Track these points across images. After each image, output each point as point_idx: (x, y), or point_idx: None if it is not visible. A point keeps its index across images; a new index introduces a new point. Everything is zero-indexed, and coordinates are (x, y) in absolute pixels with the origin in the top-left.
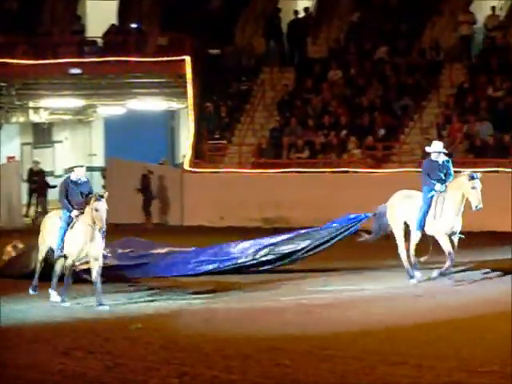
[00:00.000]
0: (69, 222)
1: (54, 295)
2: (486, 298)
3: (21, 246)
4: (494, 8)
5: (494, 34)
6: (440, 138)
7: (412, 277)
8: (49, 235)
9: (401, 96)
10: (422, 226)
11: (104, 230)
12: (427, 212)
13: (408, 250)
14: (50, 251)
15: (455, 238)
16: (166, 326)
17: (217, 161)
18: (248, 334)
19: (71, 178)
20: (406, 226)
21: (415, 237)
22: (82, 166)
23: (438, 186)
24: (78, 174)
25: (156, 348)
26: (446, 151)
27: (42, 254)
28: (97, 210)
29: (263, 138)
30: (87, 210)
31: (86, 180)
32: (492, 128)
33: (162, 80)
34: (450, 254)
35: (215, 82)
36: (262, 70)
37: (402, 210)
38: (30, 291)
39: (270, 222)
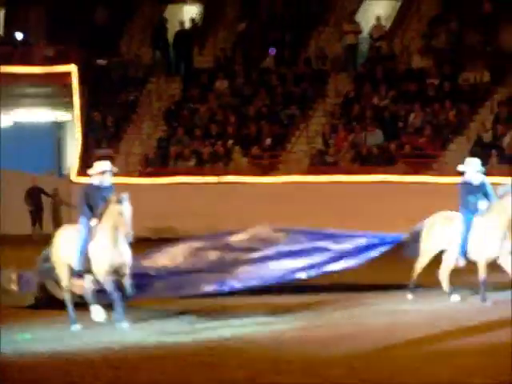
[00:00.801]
0: (88, 233)
1: (97, 311)
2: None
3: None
4: (379, 18)
5: (379, 43)
6: (326, 146)
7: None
8: (65, 250)
9: (287, 105)
10: (464, 252)
11: (131, 235)
12: (468, 236)
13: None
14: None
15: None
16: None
17: None
18: None
19: (93, 182)
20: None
21: (458, 262)
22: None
23: (482, 205)
24: (101, 178)
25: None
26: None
27: (66, 278)
28: (120, 214)
29: (150, 148)
30: (106, 214)
31: (109, 185)
32: (382, 136)
33: (49, 91)
34: (483, 281)
35: (102, 92)
36: (149, 80)
37: (439, 233)
38: (73, 328)
39: (158, 232)
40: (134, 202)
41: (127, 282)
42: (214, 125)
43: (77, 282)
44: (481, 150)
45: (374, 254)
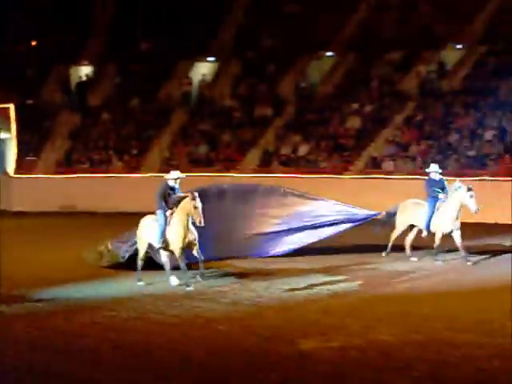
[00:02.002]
0: (166, 221)
1: (174, 280)
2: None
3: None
4: (204, 74)
5: (204, 90)
6: (171, 154)
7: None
8: (145, 234)
9: (146, 129)
10: (428, 226)
11: (203, 222)
12: (432, 215)
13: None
14: (148, 246)
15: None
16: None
17: None
18: None
19: (169, 183)
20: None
21: (423, 233)
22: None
23: (442, 196)
24: (174, 182)
25: None
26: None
27: (142, 251)
28: (196, 207)
29: (60, 156)
30: (182, 206)
31: (178, 186)
32: (206, 148)
33: None
34: (437, 247)
35: (29, 120)
36: (60, 113)
37: (410, 214)
38: (138, 283)
39: (65, 208)
40: (51, 189)
41: (198, 251)
42: (101, 141)
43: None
44: (268, 158)
45: (354, 224)
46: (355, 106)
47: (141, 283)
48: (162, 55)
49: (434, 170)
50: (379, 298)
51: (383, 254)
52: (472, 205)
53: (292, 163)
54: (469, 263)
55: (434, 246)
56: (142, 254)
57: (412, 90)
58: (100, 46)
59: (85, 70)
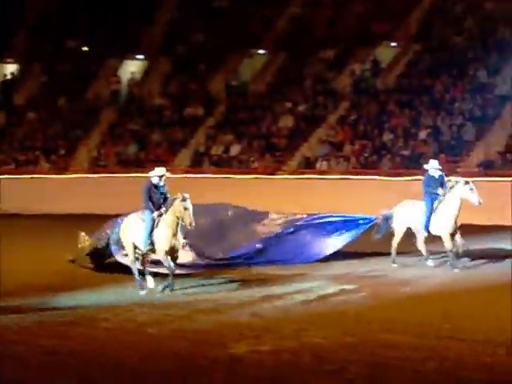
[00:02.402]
0: (153, 222)
1: (150, 280)
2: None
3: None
4: (133, 72)
5: (134, 89)
6: (99, 155)
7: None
8: (130, 235)
9: (74, 128)
10: (427, 227)
11: (194, 225)
12: (430, 215)
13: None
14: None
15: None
16: None
17: None
18: None
19: (153, 181)
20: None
21: (422, 236)
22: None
23: (440, 192)
24: (158, 179)
25: None
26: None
27: (132, 253)
28: (186, 209)
29: None
30: (172, 209)
31: (163, 184)
32: (135, 148)
33: None
34: (450, 251)
35: None
36: None
37: (406, 216)
38: (141, 292)
39: None
40: None
41: (169, 261)
42: (27, 141)
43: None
44: (199, 158)
45: (356, 234)
46: (288, 104)
47: (143, 292)
48: (89, 53)
49: (432, 166)
50: (313, 301)
51: (392, 264)
52: (474, 198)
53: (224, 163)
54: (456, 270)
55: (447, 250)
56: (132, 257)
57: (346, 89)
58: (26, 44)
59: (10, 69)
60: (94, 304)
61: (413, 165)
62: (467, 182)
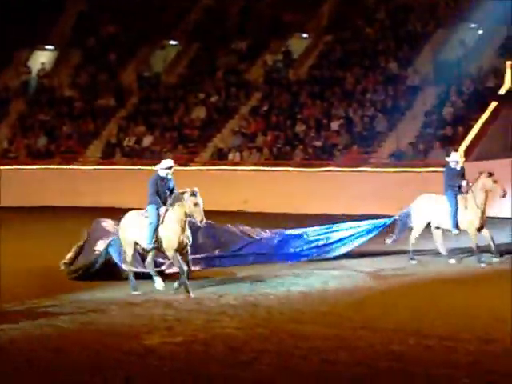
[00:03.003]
0: (158, 218)
1: (159, 282)
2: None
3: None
4: (43, 63)
5: (44, 80)
6: (10, 146)
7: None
8: (131, 233)
9: None
10: (456, 224)
11: (204, 221)
12: (457, 211)
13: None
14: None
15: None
16: None
17: None
18: None
19: (160, 174)
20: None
21: (452, 232)
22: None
23: (464, 186)
24: (166, 171)
25: None
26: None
27: (131, 253)
28: (196, 205)
29: None
30: (180, 204)
31: (171, 177)
32: (45, 140)
33: None
34: (476, 247)
35: None
36: None
37: (427, 211)
38: (133, 292)
39: None
40: None
41: (189, 257)
42: None
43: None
44: (111, 149)
45: (371, 236)
46: (200, 96)
47: (137, 292)
48: None
49: (454, 159)
50: (224, 292)
51: (411, 261)
52: (498, 189)
53: (136, 154)
54: (483, 265)
55: (473, 246)
56: (130, 257)
57: (258, 80)
58: None
59: None
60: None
61: (325, 156)
62: (491, 174)
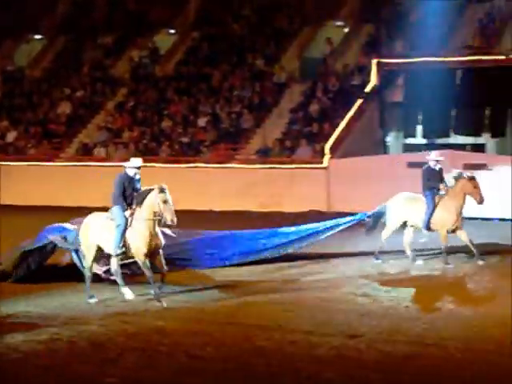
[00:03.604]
0: (126, 221)
1: (127, 292)
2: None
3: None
4: None
5: None
6: None
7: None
8: (94, 237)
9: None
10: (427, 224)
11: (176, 222)
12: (432, 212)
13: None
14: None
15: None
16: None
17: None
18: None
19: (128, 173)
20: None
21: (422, 231)
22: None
23: (442, 188)
24: (134, 170)
25: None
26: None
27: (90, 259)
28: (165, 202)
29: None
30: (148, 203)
31: (139, 177)
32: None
33: None
34: (445, 248)
35: None
36: None
37: (405, 210)
38: (89, 300)
39: None
40: None
41: (163, 260)
42: None
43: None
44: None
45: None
46: (66, 90)
47: (93, 300)
48: None
49: (433, 158)
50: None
51: (374, 259)
52: (478, 195)
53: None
54: (481, 262)
55: (442, 247)
56: (89, 262)
57: (124, 75)
58: None
59: None
60: None
61: (192, 152)
62: (472, 178)
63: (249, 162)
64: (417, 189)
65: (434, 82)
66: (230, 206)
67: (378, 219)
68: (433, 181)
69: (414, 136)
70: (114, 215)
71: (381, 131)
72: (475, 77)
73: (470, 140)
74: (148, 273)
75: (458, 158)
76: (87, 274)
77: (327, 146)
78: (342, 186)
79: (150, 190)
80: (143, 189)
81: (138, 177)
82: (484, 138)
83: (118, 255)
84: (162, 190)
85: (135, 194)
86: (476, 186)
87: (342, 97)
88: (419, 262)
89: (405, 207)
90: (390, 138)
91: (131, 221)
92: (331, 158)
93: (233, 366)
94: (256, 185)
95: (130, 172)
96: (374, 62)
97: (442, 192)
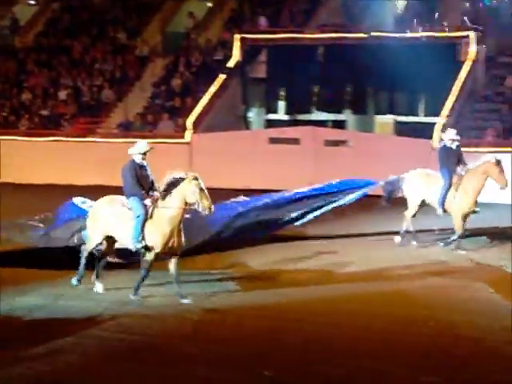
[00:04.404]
0: (146, 211)
1: (98, 286)
2: None
3: None
4: None
5: None
6: None
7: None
8: (106, 224)
9: None
10: (442, 204)
11: (213, 210)
12: (447, 191)
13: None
14: (105, 241)
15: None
16: None
17: None
18: None
19: (136, 160)
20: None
21: (437, 211)
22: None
23: (460, 169)
24: (141, 156)
25: None
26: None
27: (94, 245)
28: (201, 190)
29: None
30: (179, 192)
31: (147, 163)
32: None
33: None
34: (458, 233)
35: None
36: None
37: (421, 186)
38: (74, 282)
39: None
40: None
41: (176, 261)
42: None
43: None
44: None
45: (353, 197)
46: None
47: (75, 282)
48: None
49: (450, 137)
50: None
51: (395, 240)
52: (502, 180)
53: None
54: (463, 252)
55: (456, 231)
56: (91, 247)
57: None
58: None
59: None
60: None
61: (52, 125)
62: (499, 162)
63: (110, 136)
64: (277, 165)
65: (296, 58)
66: (91, 181)
67: (393, 188)
68: (450, 160)
69: (276, 112)
70: (132, 205)
71: (243, 107)
72: (337, 54)
73: (331, 117)
74: (144, 271)
75: (319, 135)
76: (84, 255)
77: (189, 121)
78: (205, 161)
79: (181, 178)
80: (170, 176)
81: (145, 163)
82: (345, 115)
83: (137, 250)
84: (195, 178)
85: (151, 184)
86: (502, 170)
87: (205, 72)
88: (413, 242)
89: (422, 184)
90: (252, 114)
91: (152, 211)
92: (194, 132)
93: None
94: (117, 159)
95: (138, 159)
96: (237, 37)
97: (461, 172)
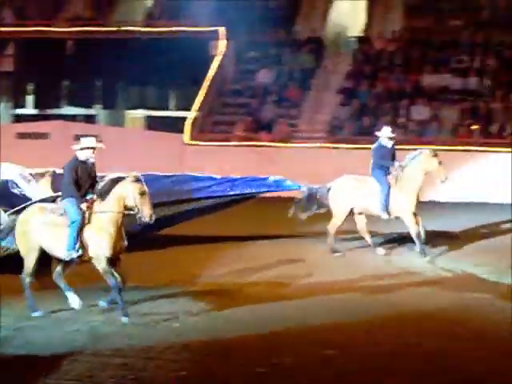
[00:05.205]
0: (82, 216)
1: (74, 300)
2: None
3: None
4: None
5: None
6: None
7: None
8: (39, 236)
9: None
10: (386, 208)
11: (154, 218)
12: (388, 194)
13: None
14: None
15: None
16: None
17: None
18: None
19: (79, 157)
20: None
21: (382, 216)
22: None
23: (394, 168)
24: (86, 153)
25: None
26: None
27: (32, 262)
28: (143, 194)
29: None
30: (117, 194)
31: (93, 161)
32: None
33: None
34: (417, 235)
35: None
36: None
37: (351, 195)
38: (35, 314)
39: None
40: None
41: (116, 274)
42: None
43: None
44: None
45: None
46: None
47: (37, 313)
48: None
49: (386, 135)
50: None
51: (335, 254)
52: (442, 173)
53: None
54: (427, 258)
55: (413, 235)
56: (31, 267)
57: None
58: None
59: None
60: None
61: None
62: (436, 155)
63: None
64: (26, 160)
65: (45, 52)
66: None
67: (312, 198)
68: (385, 159)
69: (24, 107)
70: (66, 210)
71: None
72: (87, 48)
73: (81, 111)
74: (112, 280)
75: (69, 129)
76: (27, 280)
77: None
78: None
79: (120, 178)
80: (108, 177)
81: (91, 160)
82: (95, 110)
83: (71, 260)
84: (137, 180)
85: (92, 186)
86: (441, 163)
87: None
88: (380, 250)
89: (352, 192)
90: None
91: (89, 216)
92: None
93: None
94: None
95: (82, 155)
96: None
97: (394, 172)
